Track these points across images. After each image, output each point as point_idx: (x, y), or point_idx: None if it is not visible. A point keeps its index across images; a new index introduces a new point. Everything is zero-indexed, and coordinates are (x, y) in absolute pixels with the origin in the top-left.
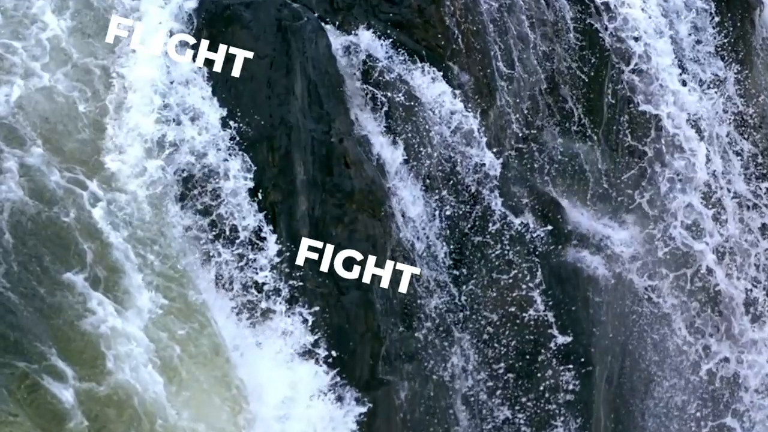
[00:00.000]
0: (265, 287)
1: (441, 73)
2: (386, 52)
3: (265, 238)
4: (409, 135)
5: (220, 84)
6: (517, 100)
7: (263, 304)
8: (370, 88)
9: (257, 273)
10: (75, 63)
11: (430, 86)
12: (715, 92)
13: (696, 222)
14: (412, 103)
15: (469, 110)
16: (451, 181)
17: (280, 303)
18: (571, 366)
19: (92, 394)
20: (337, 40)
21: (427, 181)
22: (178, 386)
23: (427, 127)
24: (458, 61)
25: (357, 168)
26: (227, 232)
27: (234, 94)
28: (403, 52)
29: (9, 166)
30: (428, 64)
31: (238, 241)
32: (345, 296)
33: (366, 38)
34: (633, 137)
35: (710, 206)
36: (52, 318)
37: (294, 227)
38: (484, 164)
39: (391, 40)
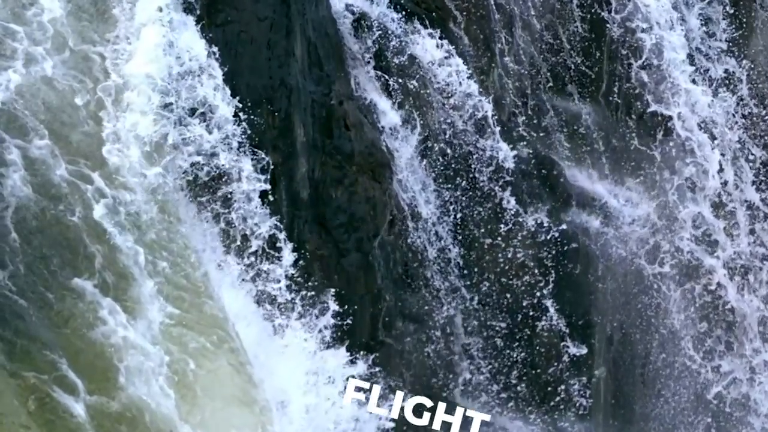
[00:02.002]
0: (282, 297)
1: (450, 43)
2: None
3: (281, 248)
4: (421, 126)
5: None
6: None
7: (283, 313)
8: (382, 73)
9: (273, 283)
10: (73, 49)
11: (443, 63)
12: (727, 92)
13: (707, 232)
14: (426, 91)
15: (483, 94)
16: (464, 176)
17: (298, 310)
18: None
19: (104, 410)
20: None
21: (440, 179)
22: (192, 404)
23: (439, 115)
24: (458, 23)
25: (357, 130)
26: (241, 239)
27: (233, 55)
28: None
29: (12, 158)
30: (433, 29)
31: (251, 249)
32: (345, 258)
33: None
34: (640, 141)
35: (721, 217)
36: (60, 326)
37: (294, 189)
38: (497, 157)
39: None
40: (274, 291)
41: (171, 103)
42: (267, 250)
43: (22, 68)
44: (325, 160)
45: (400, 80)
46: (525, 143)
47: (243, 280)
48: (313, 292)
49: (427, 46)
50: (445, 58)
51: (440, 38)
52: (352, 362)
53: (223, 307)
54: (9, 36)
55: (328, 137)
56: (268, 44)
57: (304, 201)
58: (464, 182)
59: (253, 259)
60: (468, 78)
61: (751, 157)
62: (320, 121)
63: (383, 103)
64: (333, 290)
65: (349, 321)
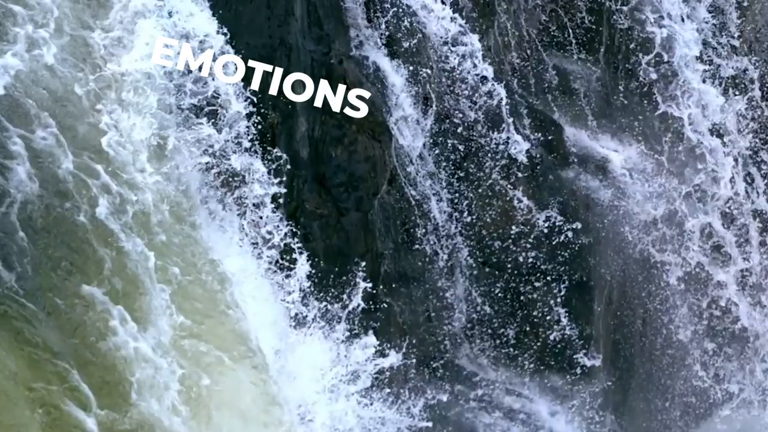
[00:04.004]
0: (302, 299)
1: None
2: None
3: (295, 259)
4: (433, 116)
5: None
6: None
7: (304, 318)
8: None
9: (292, 291)
10: (72, 34)
11: (456, 42)
12: (738, 95)
13: (716, 243)
14: (439, 80)
15: (500, 79)
16: (474, 170)
17: (319, 310)
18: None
19: (115, 426)
20: None
21: (450, 173)
22: (207, 423)
23: (451, 105)
24: None
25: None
26: (258, 244)
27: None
28: None
29: (17, 150)
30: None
31: (269, 255)
32: (344, 217)
33: None
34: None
35: (731, 228)
36: (70, 335)
37: (294, 149)
38: (509, 151)
39: None
40: (294, 295)
41: (173, 102)
42: (284, 256)
43: (24, 53)
44: (324, 120)
45: (410, 67)
46: (526, 106)
47: (261, 285)
48: (338, 278)
49: (440, 15)
50: (460, 34)
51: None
52: (382, 354)
53: (243, 318)
54: (10, 18)
55: None
56: (268, 3)
57: (304, 160)
58: (475, 178)
59: (271, 263)
60: (483, 61)
61: (764, 166)
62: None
63: (396, 91)
64: (362, 262)
65: (384, 304)
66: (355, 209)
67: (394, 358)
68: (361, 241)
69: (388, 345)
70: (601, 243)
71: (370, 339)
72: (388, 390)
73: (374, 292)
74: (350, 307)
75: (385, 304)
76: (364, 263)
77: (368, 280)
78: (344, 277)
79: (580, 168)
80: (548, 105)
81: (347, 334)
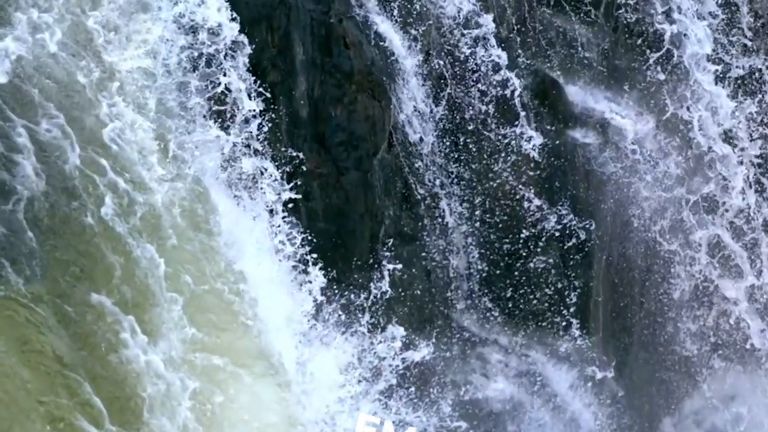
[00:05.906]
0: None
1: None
2: None
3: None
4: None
5: None
6: None
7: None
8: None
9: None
10: (73, 20)
11: (470, 24)
12: (747, 96)
13: (725, 257)
14: (453, 71)
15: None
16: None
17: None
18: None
19: None
20: None
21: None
22: None
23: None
24: None
25: (356, 48)
26: (274, 250)
27: None
28: None
29: (23, 142)
30: None
31: (286, 261)
32: (344, 177)
33: None
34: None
35: (740, 241)
36: (80, 346)
37: (293, 108)
38: (522, 146)
39: None
40: (308, 307)
41: (174, 101)
42: (300, 262)
43: (28, 37)
44: (324, 79)
45: (420, 57)
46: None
47: (278, 293)
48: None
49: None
50: (474, 14)
51: None
52: (408, 347)
53: (263, 331)
54: (12, 2)
55: (328, 55)
56: None
57: (304, 119)
58: (485, 175)
59: (289, 269)
60: (498, 46)
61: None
62: (319, 40)
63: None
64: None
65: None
66: (355, 168)
67: (425, 351)
68: (361, 199)
69: (416, 337)
70: (606, 229)
71: (397, 330)
72: (413, 388)
73: (374, 252)
74: (372, 297)
75: (383, 263)
76: (382, 249)
77: (396, 262)
78: (363, 263)
79: (586, 131)
80: (551, 67)
81: (370, 327)
